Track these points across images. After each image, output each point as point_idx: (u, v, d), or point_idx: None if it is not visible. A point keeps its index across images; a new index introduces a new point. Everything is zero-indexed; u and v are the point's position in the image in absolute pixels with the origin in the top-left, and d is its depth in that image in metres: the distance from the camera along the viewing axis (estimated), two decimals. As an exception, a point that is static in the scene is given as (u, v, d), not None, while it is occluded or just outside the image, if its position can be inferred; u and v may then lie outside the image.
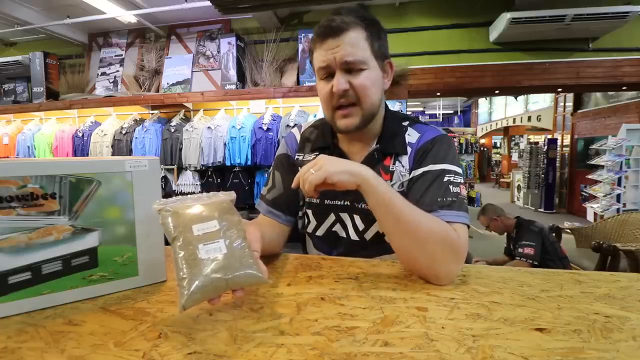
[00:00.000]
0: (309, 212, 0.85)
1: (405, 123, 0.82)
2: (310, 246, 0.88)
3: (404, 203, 0.64)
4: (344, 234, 0.81)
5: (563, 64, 3.14)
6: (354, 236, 0.80)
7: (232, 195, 0.57)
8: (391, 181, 0.77)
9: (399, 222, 0.63)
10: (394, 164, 0.78)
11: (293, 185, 0.65)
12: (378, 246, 0.78)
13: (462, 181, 0.72)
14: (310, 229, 0.85)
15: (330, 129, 0.85)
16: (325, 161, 0.62)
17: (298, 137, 0.90)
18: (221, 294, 0.47)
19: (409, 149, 0.78)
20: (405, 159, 0.78)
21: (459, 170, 0.73)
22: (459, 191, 0.69)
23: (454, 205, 0.67)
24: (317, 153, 0.84)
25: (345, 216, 0.80)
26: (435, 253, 0.60)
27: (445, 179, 0.70)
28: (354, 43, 0.71)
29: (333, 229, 0.82)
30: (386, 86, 0.79)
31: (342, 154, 0.81)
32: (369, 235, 0.79)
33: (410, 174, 0.76)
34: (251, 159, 2.86)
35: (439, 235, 0.62)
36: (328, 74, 0.73)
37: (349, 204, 0.79)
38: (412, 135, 0.80)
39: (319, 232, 0.84)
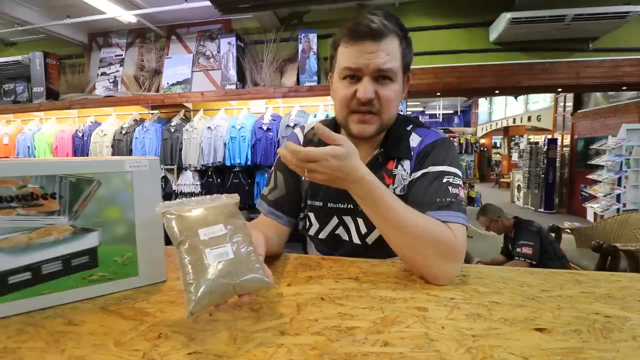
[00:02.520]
0: (311, 214, 0.84)
1: (409, 127, 0.81)
2: (312, 248, 0.87)
3: (396, 204, 0.62)
4: (346, 237, 0.81)
5: (563, 64, 3.13)
6: (356, 240, 0.80)
7: (235, 198, 0.56)
8: (393, 184, 0.77)
9: (390, 223, 0.62)
10: (396, 167, 0.78)
11: (299, 157, 0.59)
12: (380, 250, 0.77)
13: (461, 183, 0.72)
14: (312, 232, 0.85)
15: (333, 130, 0.84)
16: (333, 174, 0.59)
17: (301, 139, 0.89)
18: (228, 299, 0.47)
19: (411, 153, 0.78)
20: (407, 163, 0.78)
21: (459, 172, 0.73)
22: (457, 192, 0.69)
23: (452, 206, 0.67)
24: None
25: (348, 219, 0.80)
26: (429, 253, 0.60)
27: (445, 179, 0.70)
28: (391, 52, 0.68)
29: (336, 232, 0.82)
30: (402, 98, 0.79)
31: None
32: (371, 239, 0.78)
33: (410, 176, 0.76)
34: (251, 159, 2.86)
35: (432, 236, 0.62)
36: (353, 76, 0.70)
37: (352, 207, 0.78)
38: (414, 140, 0.79)
39: (322, 235, 0.83)
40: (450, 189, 0.69)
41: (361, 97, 0.68)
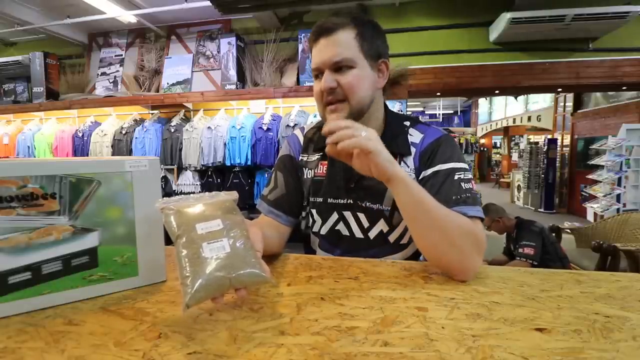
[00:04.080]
0: (314, 211, 0.85)
1: (407, 123, 0.83)
2: (316, 245, 0.88)
3: (433, 200, 0.65)
4: (346, 232, 0.82)
5: (563, 64, 3.13)
6: (358, 234, 0.81)
7: (234, 195, 0.57)
8: None
9: (430, 219, 0.63)
10: (399, 164, 0.78)
11: (324, 130, 0.62)
12: (381, 245, 0.79)
13: (471, 176, 0.74)
14: (315, 228, 0.86)
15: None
16: (377, 139, 0.62)
17: (301, 139, 0.91)
18: (224, 293, 0.47)
19: (412, 149, 0.79)
20: (410, 160, 0.79)
21: (466, 166, 0.75)
22: (471, 187, 0.72)
23: (469, 201, 0.69)
24: (321, 153, 0.85)
25: (348, 214, 0.81)
26: (463, 248, 0.62)
27: (456, 177, 0.72)
28: (342, 43, 0.73)
29: (336, 228, 0.83)
30: (379, 85, 0.80)
31: None
32: (372, 233, 0.79)
33: (416, 174, 0.77)
34: (251, 159, 2.86)
35: (465, 230, 0.63)
36: (320, 73, 0.76)
37: (352, 202, 0.80)
38: (414, 136, 0.81)
39: (323, 231, 0.84)
40: (462, 185, 0.71)
41: (322, 87, 0.74)
